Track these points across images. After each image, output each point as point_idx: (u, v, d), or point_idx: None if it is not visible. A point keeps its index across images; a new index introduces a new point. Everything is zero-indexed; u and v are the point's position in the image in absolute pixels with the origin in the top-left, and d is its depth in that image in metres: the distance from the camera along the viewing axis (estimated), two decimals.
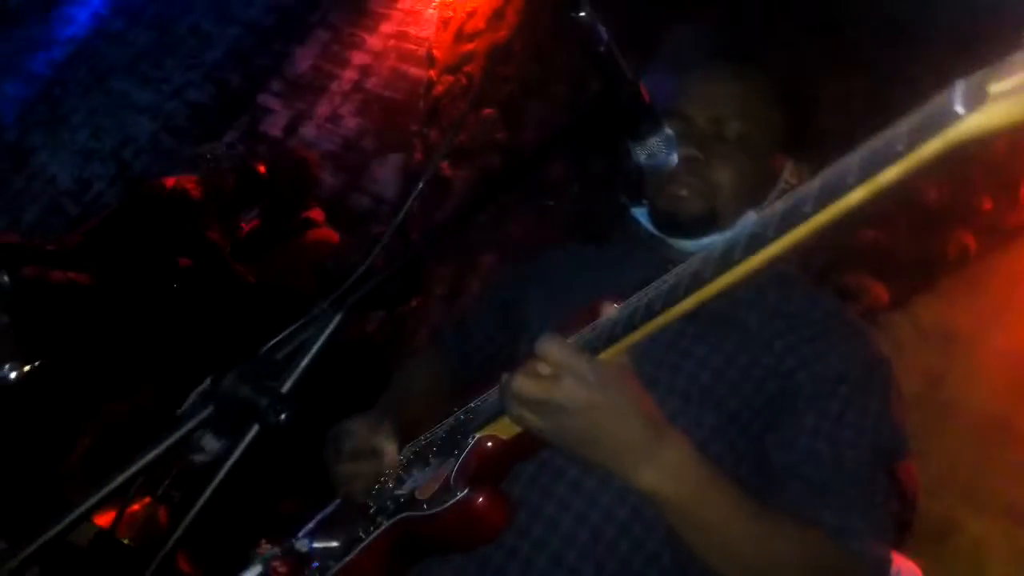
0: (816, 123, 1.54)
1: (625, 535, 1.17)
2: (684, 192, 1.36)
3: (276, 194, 3.73)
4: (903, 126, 0.73)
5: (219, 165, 3.56)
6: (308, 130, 4.83)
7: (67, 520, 0.79)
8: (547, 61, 3.98)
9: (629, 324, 0.97)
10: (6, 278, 1.59)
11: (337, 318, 0.86)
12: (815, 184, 0.80)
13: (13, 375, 1.58)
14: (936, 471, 2.36)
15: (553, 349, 0.96)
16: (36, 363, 1.60)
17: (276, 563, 1.46)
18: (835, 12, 3.14)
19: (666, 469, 1.01)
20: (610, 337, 0.98)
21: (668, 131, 1.12)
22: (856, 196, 0.76)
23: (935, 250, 2.71)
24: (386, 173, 4.43)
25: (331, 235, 3.81)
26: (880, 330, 2.58)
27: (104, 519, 1.70)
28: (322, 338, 0.85)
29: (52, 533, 0.80)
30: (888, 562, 1.15)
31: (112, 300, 3.36)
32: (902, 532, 2.16)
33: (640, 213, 1.48)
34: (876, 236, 2.77)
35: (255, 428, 0.81)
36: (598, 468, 1.05)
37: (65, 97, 6.11)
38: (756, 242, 0.85)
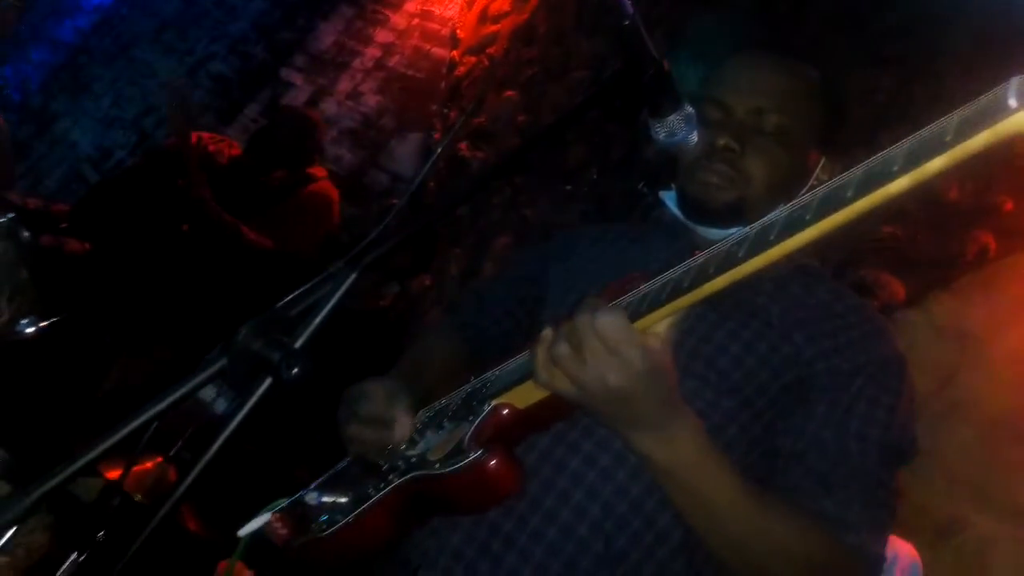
0: (852, 122, 1.53)
1: (637, 511, 1.18)
2: (715, 180, 1.35)
3: (278, 149, 3.76)
4: (954, 117, 0.73)
5: (185, 100, 3.52)
6: (329, 106, 4.84)
7: (76, 465, 0.81)
8: (570, 46, 3.97)
9: (656, 300, 0.97)
10: (27, 234, 1.61)
11: (352, 277, 0.87)
12: (859, 170, 0.80)
13: (30, 330, 1.60)
14: (945, 468, 2.36)
15: (613, 326, 0.95)
16: (53, 320, 1.63)
17: (277, 522, 1.48)
18: (861, 6, 3.11)
19: (664, 437, 1.03)
20: (635, 312, 0.98)
21: (688, 109, 1.12)
22: (900, 184, 0.75)
23: (954, 249, 2.68)
24: (405, 152, 4.44)
25: (331, 189, 3.82)
26: (895, 327, 2.56)
27: (115, 473, 1.72)
28: (336, 296, 0.85)
29: (60, 478, 0.81)
30: (883, 559, 1.15)
31: (122, 267, 3.39)
32: None
33: (668, 196, 1.48)
34: (895, 232, 2.75)
35: (267, 382, 0.82)
36: (602, 425, 1.07)
37: (90, 65, 6.14)
38: (793, 224, 0.84)
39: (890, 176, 0.76)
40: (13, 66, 6.38)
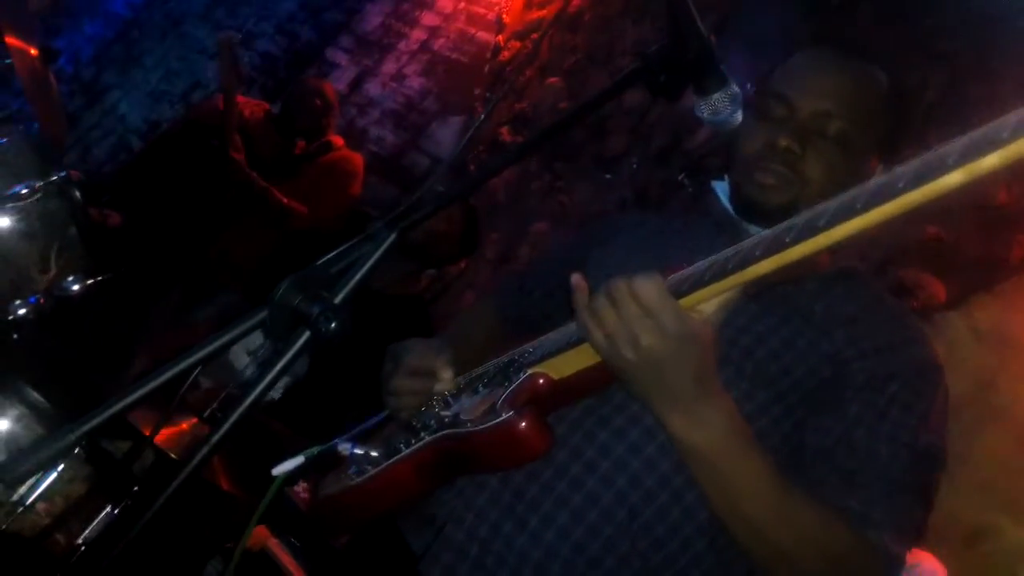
0: (908, 127, 1.49)
1: (665, 486, 1.19)
2: (772, 181, 1.33)
3: (295, 120, 3.82)
4: (1015, 114, 0.72)
5: (236, 55, 3.56)
6: (373, 87, 4.87)
7: (116, 407, 0.83)
8: (615, 33, 3.95)
9: (699, 280, 0.97)
10: (77, 194, 1.65)
11: (392, 237, 0.88)
12: (914, 163, 0.80)
13: (76, 287, 1.64)
14: (978, 474, 2.32)
15: (649, 290, 0.97)
16: (99, 278, 1.66)
17: (300, 488, 1.50)
18: (915, 1, 3.05)
19: (698, 420, 1.03)
20: (677, 291, 0.99)
21: (734, 89, 1.11)
22: (953, 179, 0.75)
23: (998, 252, 2.63)
24: (446, 135, 4.45)
25: (355, 157, 3.87)
26: (934, 328, 2.53)
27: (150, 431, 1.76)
28: (376, 255, 0.87)
29: (100, 419, 0.84)
30: (903, 561, 1.14)
31: (162, 231, 3.47)
32: None
33: (720, 187, 1.46)
34: (939, 233, 2.71)
35: (306, 335, 0.83)
36: (637, 399, 1.07)
37: (141, 39, 6.24)
38: (843, 213, 0.84)
39: (944, 169, 0.75)
40: (67, 38, 6.50)
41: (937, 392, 1.24)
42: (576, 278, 1.05)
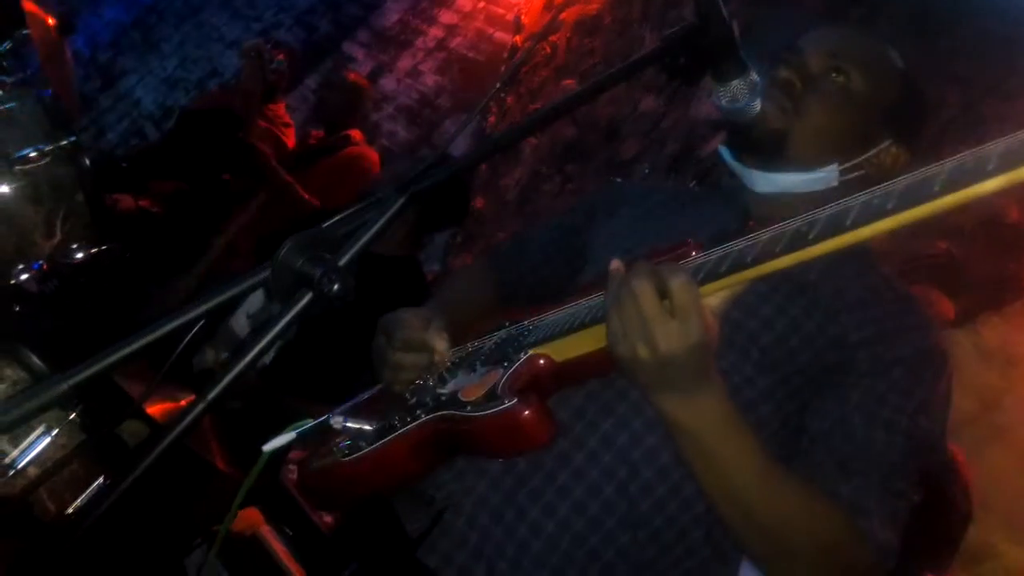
0: (925, 117, 1.47)
1: (663, 478, 1.17)
2: (767, 106, 1.27)
3: (323, 110, 3.81)
4: None
5: (263, 62, 3.61)
6: (388, 82, 4.87)
7: (115, 356, 0.81)
8: (634, 38, 3.94)
9: (715, 271, 0.95)
10: (87, 162, 1.64)
11: (400, 201, 0.86)
12: (948, 165, 0.78)
13: (80, 255, 1.63)
14: (979, 495, 2.30)
15: (685, 288, 0.94)
16: (103, 247, 1.66)
17: (290, 468, 1.47)
18: (933, 21, 3.04)
19: (688, 400, 1.02)
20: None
21: (754, 77, 1.10)
22: (991, 184, 0.74)
23: (1009, 272, 2.62)
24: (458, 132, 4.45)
25: (371, 152, 3.85)
26: None
27: (154, 408, 1.74)
28: (384, 218, 0.85)
29: (97, 368, 0.82)
30: (894, 549, 1.12)
31: (177, 225, 3.47)
32: (949, 549, 2.12)
33: (726, 151, 1.43)
34: (949, 249, 2.69)
35: (308, 296, 0.82)
36: (628, 380, 1.04)
37: (159, 25, 6.27)
38: (872, 212, 0.82)
39: (983, 175, 0.74)
40: (85, 21, 6.53)
41: (940, 379, 1.22)
42: (615, 264, 1.02)
